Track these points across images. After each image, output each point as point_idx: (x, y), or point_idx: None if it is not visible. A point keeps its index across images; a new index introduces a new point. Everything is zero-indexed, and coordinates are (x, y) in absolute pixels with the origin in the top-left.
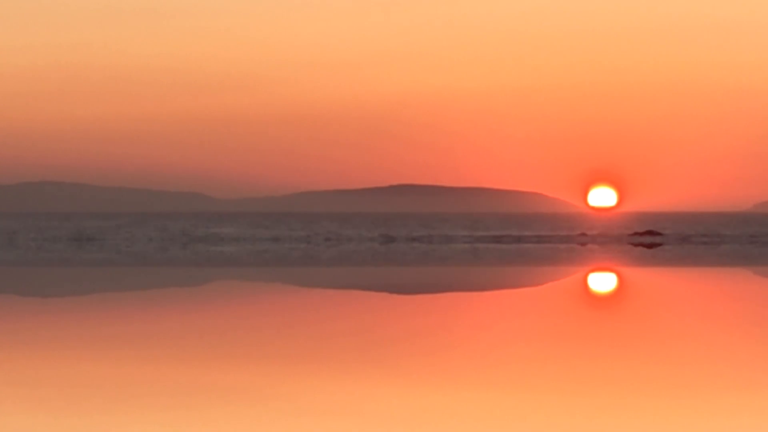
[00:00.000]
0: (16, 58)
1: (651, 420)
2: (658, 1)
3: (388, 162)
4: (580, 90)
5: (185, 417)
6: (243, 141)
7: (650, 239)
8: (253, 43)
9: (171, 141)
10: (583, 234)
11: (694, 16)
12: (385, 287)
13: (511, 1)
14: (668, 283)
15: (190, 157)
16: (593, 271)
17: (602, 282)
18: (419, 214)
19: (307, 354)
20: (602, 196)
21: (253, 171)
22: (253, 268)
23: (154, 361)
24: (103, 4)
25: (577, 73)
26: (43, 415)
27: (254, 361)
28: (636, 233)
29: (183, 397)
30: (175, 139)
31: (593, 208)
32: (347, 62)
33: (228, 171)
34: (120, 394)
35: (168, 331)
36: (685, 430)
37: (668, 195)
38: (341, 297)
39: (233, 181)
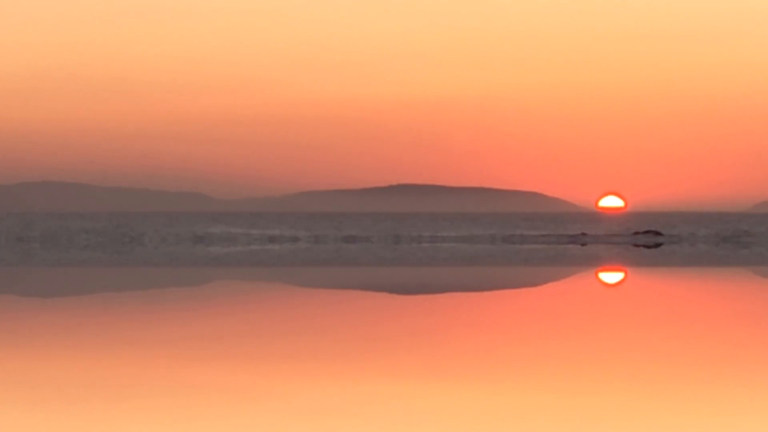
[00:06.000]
0: (16, 57)
1: (652, 420)
2: (657, 4)
3: (388, 162)
4: (581, 91)
5: (185, 417)
6: (243, 141)
7: (651, 239)
8: (252, 43)
9: (171, 141)
10: (584, 234)
11: (695, 18)
12: (385, 287)
13: (513, 1)
14: (668, 284)
15: (190, 157)
16: (593, 271)
17: (602, 282)
18: (419, 213)
19: (306, 354)
20: (606, 200)
21: (253, 171)
22: (252, 268)
23: (154, 361)
24: (103, 4)
25: (578, 74)
26: (43, 414)
27: (254, 361)
28: (636, 233)
29: (183, 397)
30: (175, 139)
31: (598, 208)
32: (347, 62)
33: (228, 171)
34: (119, 394)
35: (168, 331)
36: (686, 430)
37: (668, 195)
38: (341, 297)
39: (233, 181)
